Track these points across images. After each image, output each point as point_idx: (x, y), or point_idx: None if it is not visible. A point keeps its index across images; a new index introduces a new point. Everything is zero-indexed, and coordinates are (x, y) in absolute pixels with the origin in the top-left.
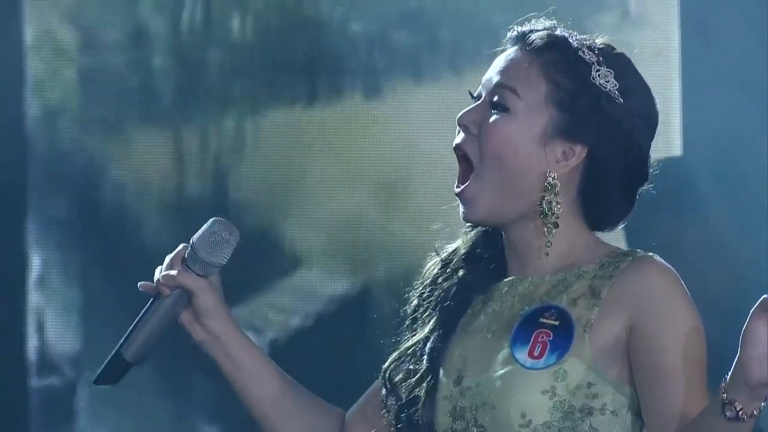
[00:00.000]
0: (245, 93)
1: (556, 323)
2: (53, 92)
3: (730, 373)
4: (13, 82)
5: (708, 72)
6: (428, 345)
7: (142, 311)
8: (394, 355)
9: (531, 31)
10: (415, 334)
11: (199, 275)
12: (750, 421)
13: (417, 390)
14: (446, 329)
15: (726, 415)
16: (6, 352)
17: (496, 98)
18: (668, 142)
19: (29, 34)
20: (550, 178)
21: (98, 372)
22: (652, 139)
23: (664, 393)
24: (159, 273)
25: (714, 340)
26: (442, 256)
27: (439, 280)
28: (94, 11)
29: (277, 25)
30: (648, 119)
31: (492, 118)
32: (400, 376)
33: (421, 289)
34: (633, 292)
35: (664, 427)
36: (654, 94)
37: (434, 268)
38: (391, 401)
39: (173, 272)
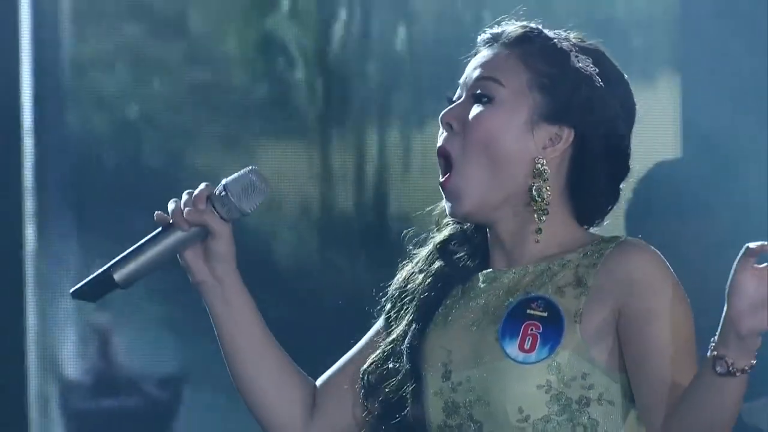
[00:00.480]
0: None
1: (545, 314)
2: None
3: (718, 330)
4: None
5: (708, 73)
6: (406, 341)
7: (147, 237)
8: (373, 357)
9: (503, 31)
10: (391, 333)
11: (222, 218)
12: (741, 377)
13: (402, 390)
14: (423, 322)
15: (717, 371)
16: (7, 354)
17: (478, 91)
18: (668, 142)
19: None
20: (539, 165)
21: (79, 285)
22: (631, 130)
23: (654, 371)
24: (173, 205)
25: None
26: (414, 261)
27: (413, 275)
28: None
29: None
30: (628, 108)
31: (476, 110)
32: (381, 377)
33: (392, 290)
34: (618, 277)
35: (655, 404)
36: (644, 93)
37: (405, 271)
38: (374, 404)
39: (200, 208)
